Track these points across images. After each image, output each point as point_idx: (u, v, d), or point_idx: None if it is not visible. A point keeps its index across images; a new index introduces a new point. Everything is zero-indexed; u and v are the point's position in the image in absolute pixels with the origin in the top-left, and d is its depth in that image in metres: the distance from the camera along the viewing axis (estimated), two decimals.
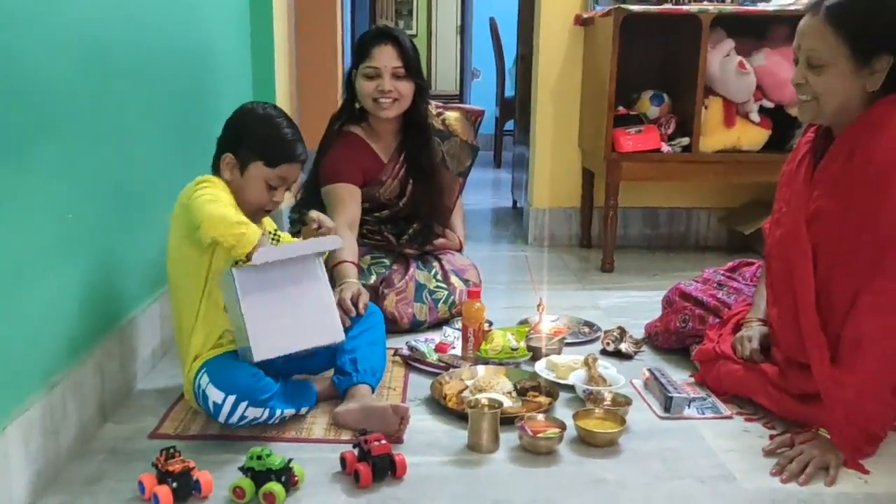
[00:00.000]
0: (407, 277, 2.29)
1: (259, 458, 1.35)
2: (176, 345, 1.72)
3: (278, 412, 1.58)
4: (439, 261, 2.41)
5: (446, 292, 2.32)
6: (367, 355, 1.74)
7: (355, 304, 1.86)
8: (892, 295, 1.48)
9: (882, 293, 1.49)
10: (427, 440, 1.59)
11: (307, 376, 1.76)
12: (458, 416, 1.67)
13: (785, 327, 1.65)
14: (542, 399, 1.74)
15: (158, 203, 1.96)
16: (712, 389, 1.82)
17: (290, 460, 1.36)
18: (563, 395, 1.78)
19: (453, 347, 2.05)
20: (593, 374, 1.81)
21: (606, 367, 1.88)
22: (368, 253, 2.34)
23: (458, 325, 2.11)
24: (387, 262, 2.33)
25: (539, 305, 2.14)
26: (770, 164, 2.66)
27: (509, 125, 5.42)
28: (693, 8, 2.81)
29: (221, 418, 1.53)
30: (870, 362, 1.49)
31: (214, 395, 1.52)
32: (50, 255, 1.42)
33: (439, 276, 2.35)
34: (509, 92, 5.42)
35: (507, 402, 1.68)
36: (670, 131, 2.91)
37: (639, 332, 2.18)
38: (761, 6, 2.94)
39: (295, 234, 2.29)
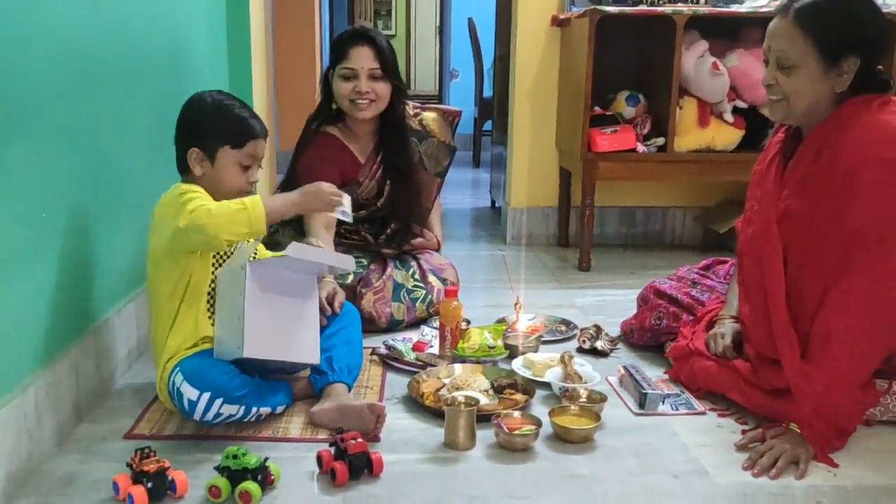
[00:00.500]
0: (384, 277, 2.29)
1: (235, 457, 1.35)
2: (151, 346, 1.71)
3: (254, 410, 1.58)
4: (417, 260, 2.42)
5: (424, 291, 2.32)
6: (343, 354, 1.74)
7: (331, 303, 1.87)
8: (859, 293, 1.51)
9: (849, 291, 1.51)
10: (404, 438, 1.60)
11: (283, 376, 1.76)
12: (435, 413, 1.68)
13: (756, 324, 1.68)
14: (519, 396, 1.75)
15: (134, 203, 1.95)
16: (686, 386, 1.84)
17: (266, 459, 1.37)
18: (539, 393, 1.79)
19: (431, 346, 2.06)
20: (569, 371, 1.82)
21: (582, 364, 1.90)
22: (346, 252, 2.33)
23: (436, 323, 2.12)
24: (364, 261, 2.33)
25: (516, 304, 2.16)
26: (744, 164, 2.68)
27: (488, 125, 5.43)
28: (668, 9, 2.84)
29: (197, 416, 1.53)
30: (838, 358, 1.52)
31: (189, 392, 1.52)
32: (23, 255, 1.40)
33: (417, 276, 2.35)
34: (488, 92, 5.44)
35: (484, 400, 1.69)
36: (646, 131, 2.94)
37: (614, 330, 2.20)
38: (734, 8, 2.98)
39: (272, 233, 2.30)
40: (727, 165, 2.93)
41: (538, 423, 1.58)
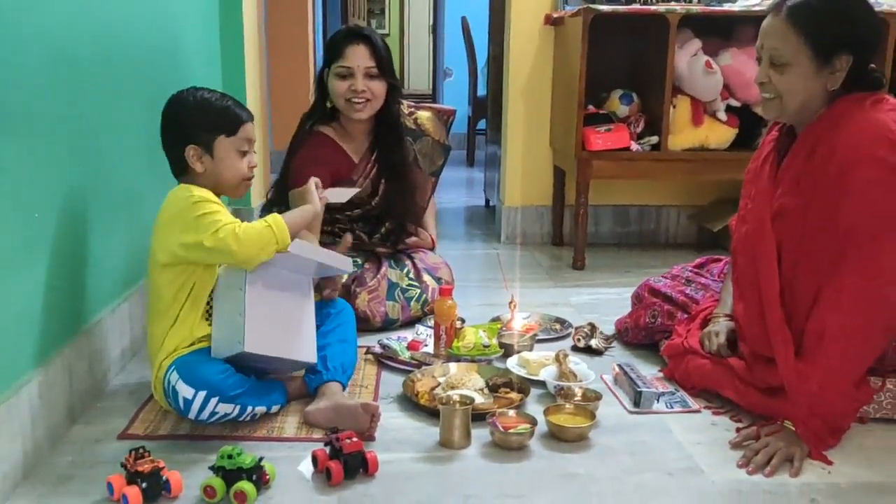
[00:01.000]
0: (379, 276, 2.29)
1: (230, 457, 1.34)
2: (147, 346, 1.70)
3: (249, 408, 1.58)
4: (411, 259, 2.41)
5: (418, 290, 2.32)
6: (337, 353, 1.75)
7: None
8: (852, 291, 1.51)
9: (843, 289, 1.52)
10: (399, 437, 1.60)
11: (278, 376, 1.75)
12: (430, 412, 1.67)
13: (751, 322, 1.68)
14: (514, 395, 1.75)
15: (128, 202, 1.95)
16: (681, 384, 1.84)
17: (261, 459, 1.36)
18: (534, 391, 1.79)
19: (425, 345, 2.06)
20: (564, 370, 1.82)
21: (577, 362, 1.90)
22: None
23: (431, 322, 2.12)
24: (359, 260, 2.33)
25: (511, 303, 2.16)
26: (737, 162, 2.69)
27: (482, 124, 5.43)
28: (661, 8, 2.84)
29: (192, 415, 1.52)
30: (832, 356, 1.52)
31: (184, 391, 1.52)
32: (16, 255, 1.40)
33: (411, 275, 2.35)
34: (481, 91, 5.44)
35: (479, 399, 1.69)
36: (639, 130, 2.95)
37: (609, 329, 2.21)
38: (727, 6, 2.99)
39: None
40: (721, 164, 2.94)
41: (533, 422, 1.59)
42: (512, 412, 1.63)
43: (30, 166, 1.44)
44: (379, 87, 2.25)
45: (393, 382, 1.86)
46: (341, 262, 1.75)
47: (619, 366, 1.88)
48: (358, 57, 2.22)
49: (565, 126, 3.03)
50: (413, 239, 2.46)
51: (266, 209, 2.36)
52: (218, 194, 1.63)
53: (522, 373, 1.88)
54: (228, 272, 1.62)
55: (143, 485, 1.31)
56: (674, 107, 2.88)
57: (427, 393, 1.74)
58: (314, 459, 1.45)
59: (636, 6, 2.96)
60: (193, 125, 1.64)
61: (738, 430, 1.64)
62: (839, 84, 1.56)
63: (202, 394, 1.51)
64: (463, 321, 2.14)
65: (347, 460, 1.40)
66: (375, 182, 2.35)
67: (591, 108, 2.98)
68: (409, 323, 2.28)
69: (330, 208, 2.35)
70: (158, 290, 1.62)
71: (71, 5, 1.62)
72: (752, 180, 1.75)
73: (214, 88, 1.73)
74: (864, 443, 1.60)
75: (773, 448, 1.50)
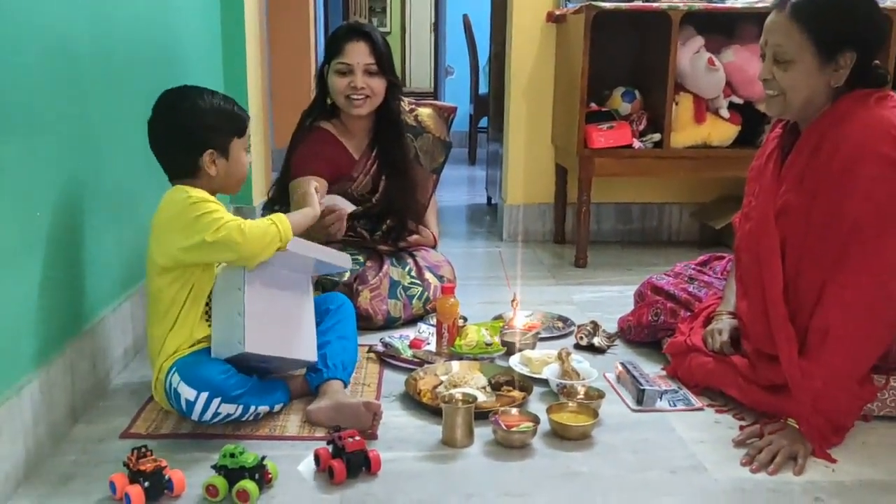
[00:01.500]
0: (381, 274, 2.29)
1: (232, 455, 1.34)
2: (147, 348, 1.70)
3: (252, 408, 1.58)
4: (413, 257, 2.41)
5: (420, 288, 2.32)
6: (337, 350, 1.74)
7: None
8: (856, 288, 1.51)
9: (847, 286, 1.51)
10: (401, 436, 1.59)
11: (279, 375, 1.75)
12: (433, 411, 1.67)
13: (754, 320, 1.68)
14: (516, 393, 1.75)
15: (129, 201, 1.95)
16: (683, 382, 1.84)
17: (263, 458, 1.36)
18: (536, 390, 1.79)
19: (428, 343, 2.06)
20: (567, 368, 1.82)
21: (580, 361, 1.89)
22: (342, 249, 2.33)
23: (433, 321, 2.12)
24: (360, 258, 2.32)
25: (513, 301, 2.15)
26: (740, 160, 2.69)
27: (483, 122, 5.42)
28: (663, 5, 2.83)
29: (195, 416, 1.52)
30: (836, 354, 1.52)
31: (187, 392, 1.51)
32: (17, 255, 1.40)
33: (413, 273, 2.35)
34: (483, 89, 5.43)
35: (482, 397, 1.68)
36: (642, 127, 2.94)
37: (612, 327, 2.20)
38: (730, 3, 2.97)
39: None
40: (723, 161, 2.93)
41: (536, 420, 1.58)
42: (514, 410, 1.63)
43: (30, 165, 1.44)
44: (378, 84, 2.25)
45: (395, 381, 1.86)
46: (340, 259, 1.75)
47: (622, 364, 1.88)
48: (357, 54, 2.22)
49: (567, 124, 3.02)
50: (415, 237, 2.46)
51: (267, 207, 2.36)
52: (214, 193, 1.62)
53: (525, 371, 1.87)
54: (226, 272, 1.61)
55: (146, 484, 1.31)
56: (676, 104, 2.88)
57: (429, 391, 1.74)
58: (316, 458, 1.44)
59: (638, 3, 2.95)
60: (212, 130, 1.63)
61: (741, 428, 1.63)
62: (843, 81, 1.55)
63: (204, 395, 1.50)
64: (465, 319, 2.14)
65: (350, 459, 1.40)
66: (376, 179, 2.34)
67: (593, 105, 2.98)
68: (412, 321, 2.27)
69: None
70: (157, 293, 1.62)
71: (71, 5, 1.62)
72: (755, 178, 1.74)
73: (215, 87, 1.73)
74: (868, 441, 1.59)
75: (776, 446, 1.50)
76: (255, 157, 3.33)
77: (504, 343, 2.03)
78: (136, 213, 1.96)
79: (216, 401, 1.51)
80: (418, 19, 9.36)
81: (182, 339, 1.60)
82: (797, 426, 1.53)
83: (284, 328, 1.64)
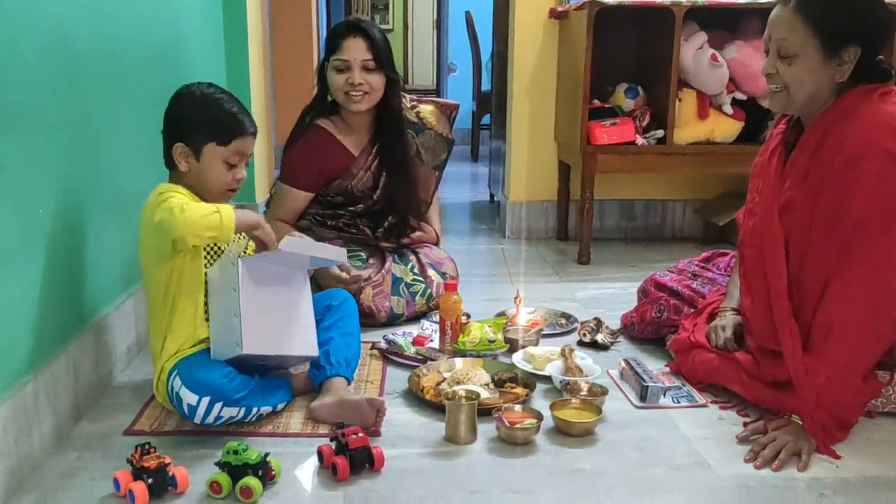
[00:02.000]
0: (383, 271, 2.29)
1: (235, 452, 1.34)
2: (150, 349, 1.70)
3: (255, 410, 1.57)
4: (416, 254, 2.41)
5: (423, 285, 2.32)
6: (340, 347, 1.73)
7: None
8: (860, 284, 1.50)
9: (851, 282, 1.51)
10: (405, 433, 1.59)
11: (282, 372, 1.75)
12: (436, 408, 1.67)
13: (758, 316, 1.67)
14: (520, 390, 1.75)
15: (131, 198, 1.94)
16: (687, 378, 1.84)
17: (266, 454, 1.36)
18: (540, 386, 1.79)
19: (431, 340, 2.06)
20: (570, 364, 1.82)
21: (583, 357, 1.89)
22: (345, 247, 2.33)
23: (436, 317, 2.12)
24: (363, 255, 2.32)
25: (516, 298, 2.15)
26: (743, 156, 2.69)
27: (486, 119, 5.42)
28: (666, 1, 2.82)
29: (197, 419, 1.51)
30: (840, 350, 1.52)
31: (188, 397, 1.50)
32: (19, 252, 1.40)
33: (416, 270, 2.35)
34: (486, 86, 5.43)
35: (485, 394, 1.68)
36: (645, 124, 2.93)
37: (615, 323, 2.20)
38: None
39: None
40: (727, 157, 2.93)
41: (539, 417, 1.58)
42: (518, 407, 1.62)
43: (31, 163, 1.44)
44: (377, 80, 2.25)
45: (398, 378, 1.86)
46: (334, 254, 1.72)
47: (626, 360, 1.87)
48: (355, 50, 2.22)
49: (570, 120, 3.02)
50: (417, 234, 2.46)
51: (270, 205, 2.37)
52: (197, 194, 1.61)
53: (528, 368, 1.87)
54: (221, 272, 1.58)
55: (150, 480, 1.31)
56: (679, 100, 2.87)
57: (433, 388, 1.74)
58: (320, 455, 1.44)
59: None
60: (189, 123, 1.61)
61: (745, 424, 1.63)
62: (847, 76, 1.55)
63: (206, 399, 1.49)
64: (468, 316, 2.14)
65: (353, 456, 1.40)
66: (376, 175, 2.34)
67: (596, 102, 2.97)
68: (414, 318, 2.27)
69: (333, 204, 2.36)
70: (149, 290, 1.62)
71: (72, 2, 1.61)
72: (759, 173, 1.74)
73: (222, 87, 1.71)
74: (873, 437, 1.59)
75: (780, 442, 1.49)
76: (258, 155, 3.32)
77: (507, 340, 2.03)
78: (138, 211, 1.95)
79: (218, 405, 1.50)
80: (421, 16, 9.35)
81: (182, 340, 1.59)
82: (801, 422, 1.53)
83: (282, 326, 1.62)
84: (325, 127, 2.31)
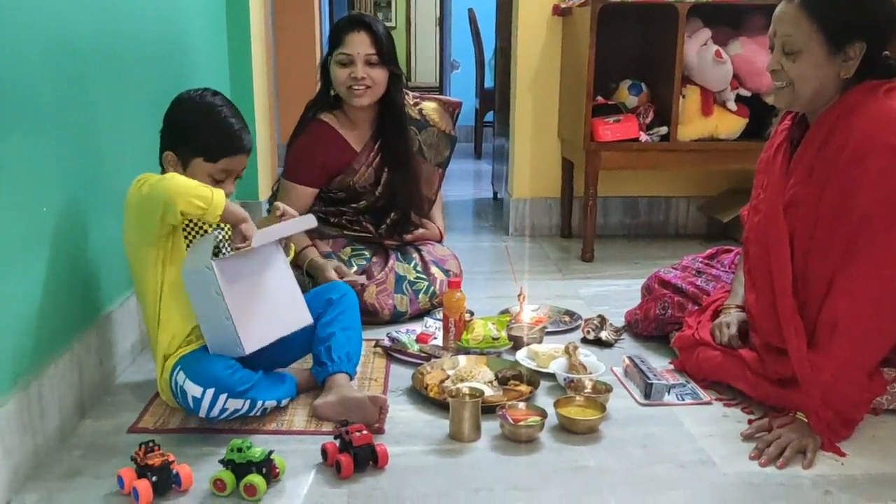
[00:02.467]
0: (387, 269, 2.28)
1: (239, 450, 1.34)
2: (147, 342, 1.70)
3: (259, 403, 1.57)
4: (419, 252, 2.41)
5: (426, 283, 2.31)
6: (341, 342, 1.72)
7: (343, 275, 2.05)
8: (865, 280, 1.50)
9: (856, 279, 1.50)
10: (408, 430, 1.59)
11: (285, 369, 1.75)
12: (440, 405, 1.67)
13: (762, 313, 1.67)
14: (524, 388, 1.75)
15: None
16: (691, 376, 1.83)
17: (270, 452, 1.36)
18: (544, 384, 1.79)
19: (434, 338, 2.05)
20: (574, 362, 1.81)
21: (587, 355, 1.89)
22: (349, 245, 2.34)
23: (439, 315, 2.11)
24: (367, 254, 2.32)
25: (520, 295, 2.15)
26: (747, 152, 2.68)
27: (489, 117, 5.41)
28: None
29: (202, 413, 1.52)
30: (845, 347, 1.51)
31: (193, 389, 1.50)
32: (23, 250, 1.40)
33: (419, 268, 2.34)
34: (489, 83, 5.42)
35: (489, 391, 1.68)
36: (648, 120, 2.93)
37: (619, 321, 2.19)
38: None
39: None
40: (731, 154, 2.92)
41: (543, 415, 1.58)
42: (522, 405, 1.62)
43: (34, 161, 1.44)
44: (380, 75, 2.24)
45: (402, 375, 1.85)
46: (304, 223, 1.68)
47: (630, 358, 1.87)
48: (358, 44, 2.22)
49: (574, 117, 3.01)
50: (421, 231, 2.46)
51: (272, 203, 2.37)
52: None
53: (532, 365, 1.87)
54: (196, 276, 1.53)
55: (154, 478, 1.31)
56: (683, 97, 2.86)
57: (436, 386, 1.74)
58: (324, 453, 1.44)
59: None
60: (181, 133, 1.61)
61: (749, 421, 1.62)
62: (852, 72, 1.54)
63: (210, 391, 1.50)
64: (472, 314, 2.13)
65: (357, 453, 1.40)
66: (378, 171, 2.34)
67: (599, 98, 2.96)
68: (418, 316, 2.27)
69: (335, 201, 2.36)
70: (138, 282, 1.61)
71: (75, 1, 1.62)
72: (764, 170, 1.73)
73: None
74: (878, 434, 1.58)
75: (785, 440, 1.49)
76: (260, 153, 3.33)
77: (511, 337, 2.03)
78: None
79: (223, 396, 1.50)
80: (423, 14, 9.33)
81: (173, 331, 1.59)
82: (806, 420, 1.52)
83: (272, 309, 1.61)
84: (328, 121, 2.31)
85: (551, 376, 1.82)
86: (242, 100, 3.13)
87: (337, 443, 1.44)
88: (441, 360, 1.87)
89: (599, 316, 2.16)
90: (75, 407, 1.58)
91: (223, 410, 1.52)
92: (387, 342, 2.02)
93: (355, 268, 2.26)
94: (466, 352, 1.94)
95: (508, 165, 3.50)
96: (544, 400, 1.71)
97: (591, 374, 1.79)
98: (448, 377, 1.77)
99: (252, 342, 1.53)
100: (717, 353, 1.77)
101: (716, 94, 2.92)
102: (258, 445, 1.36)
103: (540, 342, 2.04)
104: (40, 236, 1.47)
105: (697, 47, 2.85)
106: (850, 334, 1.51)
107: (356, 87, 2.23)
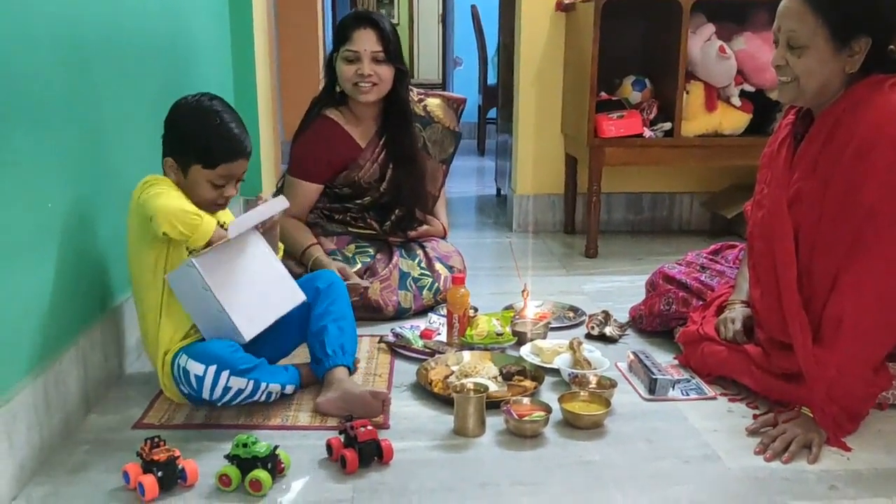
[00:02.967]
0: (391, 265, 2.29)
1: (245, 445, 1.34)
2: (143, 345, 1.71)
3: (263, 385, 1.57)
4: (423, 248, 2.41)
5: (430, 279, 2.32)
6: (334, 335, 1.71)
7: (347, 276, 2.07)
8: (871, 274, 1.49)
9: (861, 274, 1.50)
10: (413, 425, 1.59)
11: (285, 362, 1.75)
12: (444, 401, 1.67)
13: (767, 308, 1.67)
14: (528, 383, 1.75)
15: None
16: (696, 371, 1.83)
17: (276, 447, 1.36)
18: (548, 379, 1.79)
19: (438, 334, 2.05)
20: (578, 357, 1.81)
21: (591, 350, 1.89)
22: (353, 242, 2.33)
23: (443, 311, 2.11)
24: (371, 250, 2.32)
25: (524, 291, 2.15)
26: (751, 148, 2.67)
27: (492, 113, 5.41)
28: None
29: (205, 393, 1.52)
30: (851, 341, 1.51)
31: (195, 368, 1.51)
32: (30, 246, 1.40)
33: (423, 264, 2.34)
34: (492, 80, 5.41)
35: (493, 387, 1.68)
36: (652, 116, 2.92)
37: (623, 316, 2.19)
38: None
39: None
40: (734, 150, 2.92)
41: (548, 410, 1.58)
42: (526, 400, 1.62)
43: (41, 156, 1.44)
44: (386, 72, 2.24)
45: (406, 371, 1.86)
46: (278, 204, 1.69)
47: (634, 353, 1.87)
48: (365, 41, 2.22)
49: (577, 113, 3.01)
50: (424, 227, 2.46)
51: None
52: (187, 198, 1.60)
53: (536, 361, 1.87)
54: (180, 277, 1.53)
55: (159, 473, 1.32)
56: (687, 92, 2.86)
57: (441, 381, 1.74)
58: (329, 448, 1.45)
59: None
60: (179, 139, 1.62)
61: (754, 416, 1.62)
62: (857, 67, 1.53)
63: (213, 368, 1.50)
64: (476, 310, 2.13)
65: (362, 448, 1.40)
66: (383, 167, 2.34)
67: (603, 94, 2.96)
68: (422, 312, 2.27)
69: (340, 197, 2.36)
70: (138, 281, 1.62)
71: None
72: (767, 164, 1.73)
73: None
74: (884, 429, 1.58)
75: (790, 435, 1.49)
76: (264, 150, 3.33)
77: (515, 333, 2.03)
78: None
79: (225, 373, 1.51)
80: (426, 10, 9.32)
81: (174, 328, 1.60)
82: (811, 414, 1.52)
83: (263, 293, 1.62)
84: (333, 117, 2.31)
85: (556, 372, 1.82)
86: (245, 95, 3.14)
87: (342, 438, 1.44)
88: (445, 356, 1.87)
89: (603, 311, 2.16)
90: (81, 402, 1.59)
91: (226, 390, 1.52)
92: (391, 338, 2.02)
93: (359, 265, 2.26)
94: (471, 348, 1.94)
95: (512, 162, 3.50)
96: (549, 395, 1.71)
97: (595, 369, 1.79)
98: (452, 373, 1.77)
99: (249, 328, 1.54)
100: (721, 348, 1.77)
101: (720, 89, 2.91)
102: (263, 441, 1.37)
103: (544, 338, 2.04)
104: (46, 232, 1.47)
105: (701, 43, 2.84)
106: (856, 329, 1.50)
107: (363, 84, 2.23)
